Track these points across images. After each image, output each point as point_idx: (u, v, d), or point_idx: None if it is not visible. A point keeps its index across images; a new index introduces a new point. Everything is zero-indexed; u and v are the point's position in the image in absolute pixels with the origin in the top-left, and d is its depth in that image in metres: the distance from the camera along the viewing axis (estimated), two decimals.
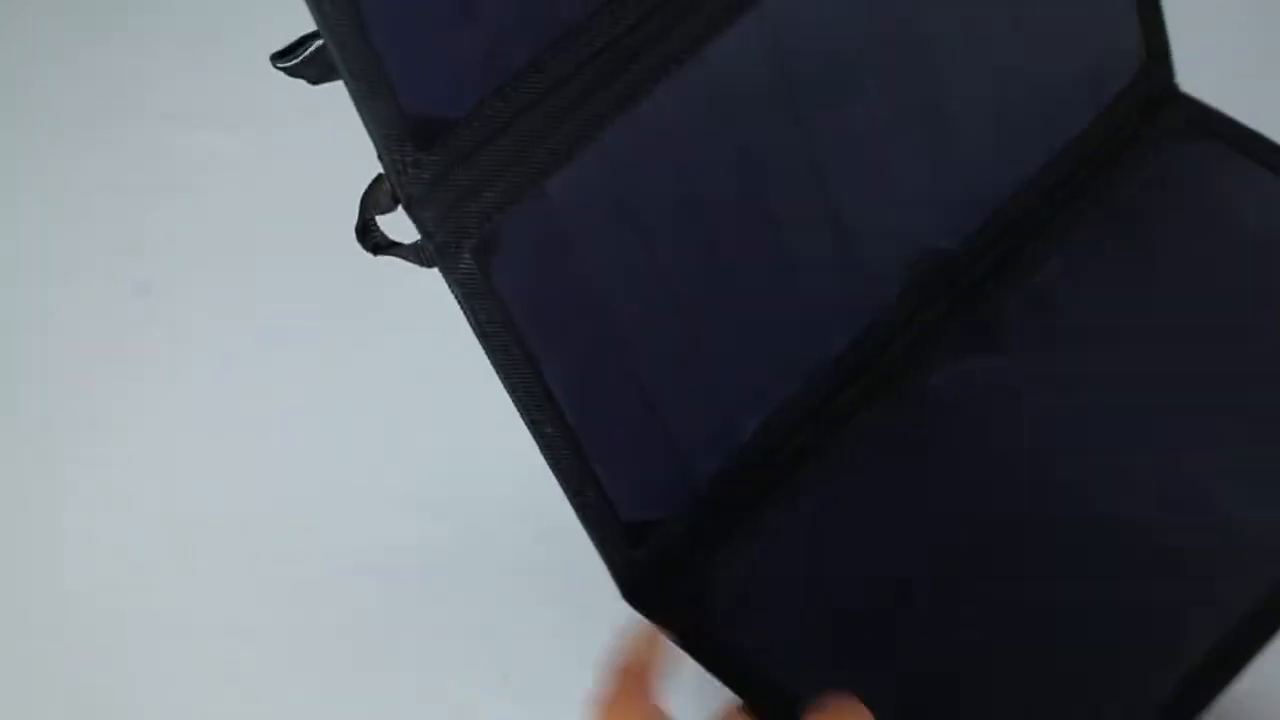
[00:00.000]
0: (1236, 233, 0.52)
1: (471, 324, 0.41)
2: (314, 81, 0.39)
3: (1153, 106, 0.55)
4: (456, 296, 0.41)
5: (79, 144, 0.65)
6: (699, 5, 0.42)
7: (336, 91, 0.39)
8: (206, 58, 0.64)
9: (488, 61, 0.40)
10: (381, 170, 0.39)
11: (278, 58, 0.39)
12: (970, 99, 0.50)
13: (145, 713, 0.53)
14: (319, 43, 0.38)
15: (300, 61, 0.38)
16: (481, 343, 0.42)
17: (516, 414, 0.43)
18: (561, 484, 0.45)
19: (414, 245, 0.40)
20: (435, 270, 0.40)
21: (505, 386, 0.43)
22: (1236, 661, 0.44)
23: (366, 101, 0.38)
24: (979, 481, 0.49)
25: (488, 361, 0.42)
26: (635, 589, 0.47)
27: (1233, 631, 0.45)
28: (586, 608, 0.49)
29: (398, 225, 0.40)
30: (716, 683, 0.46)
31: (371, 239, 0.40)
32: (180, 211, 0.62)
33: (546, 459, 0.44)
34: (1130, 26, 0.54)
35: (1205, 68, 0.55)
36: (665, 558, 0.48)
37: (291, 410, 0.58)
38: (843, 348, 0.50)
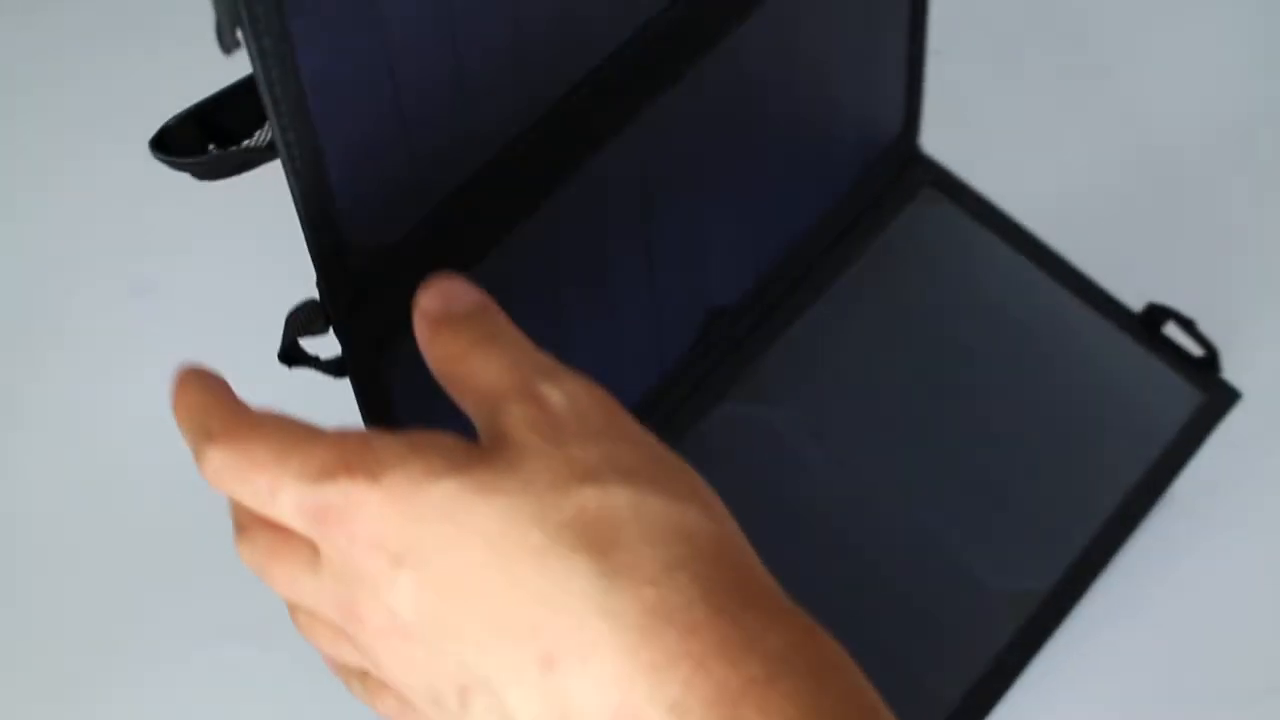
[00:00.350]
0: (967, 294, 0.59)
1: (361, 408, 0.44)
2: (201, 178, 0.39)
3: (904, 168, 0.61)
4: (355, 389, 0.43)
5: (78, 142, 0.64)
6: (591, 124, 0.45)
7: None
8: (207, 57, 0.61)
9: (420, 191, 0.41)
10: (315, 296, 0.40)
11: (161, 149, 0.39)
12: (766, 164, 0.55)
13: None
14: (219, 151, 0.38)
15: (200, 163, 0.39)
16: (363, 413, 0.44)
17: None
18: None
19: (331, 360, 0.41)
20: None
21: None
22: None
23: (318, 235, 0.39)
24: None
25: None
26: None
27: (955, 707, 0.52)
28: None
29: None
30: None
31: (291, 357, 0.41)
32: (180, 211, 0.60)
33: None
34: (897, 90, 0.59)
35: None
36: None
37: (291, 409, 0.57)
38: (633, 402, 0.54)
